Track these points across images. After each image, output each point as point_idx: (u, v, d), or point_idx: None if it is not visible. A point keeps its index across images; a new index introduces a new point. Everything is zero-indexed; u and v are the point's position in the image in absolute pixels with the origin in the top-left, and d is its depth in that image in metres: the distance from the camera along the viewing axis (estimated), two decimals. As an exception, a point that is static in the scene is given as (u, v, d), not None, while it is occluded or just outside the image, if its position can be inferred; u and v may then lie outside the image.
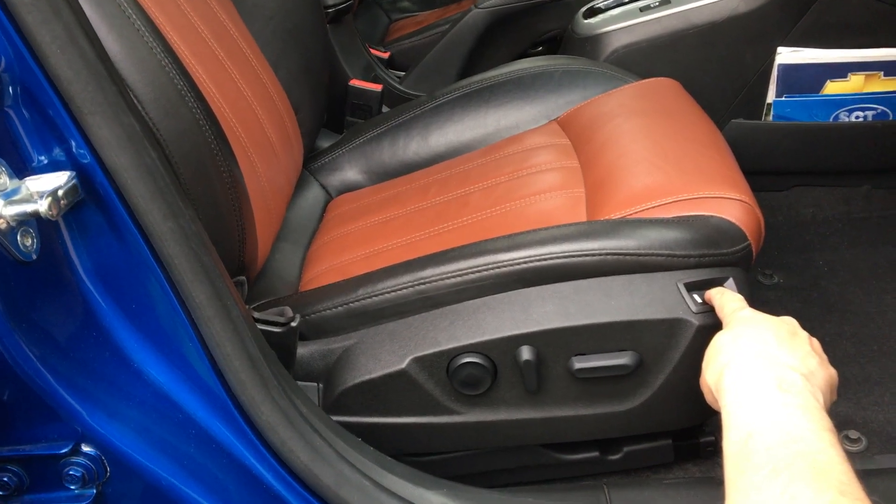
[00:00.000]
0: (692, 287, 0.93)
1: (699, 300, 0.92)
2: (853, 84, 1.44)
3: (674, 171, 1.09)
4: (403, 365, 0.94)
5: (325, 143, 1.51)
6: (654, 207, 1.02)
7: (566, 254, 0.94)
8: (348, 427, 0.96)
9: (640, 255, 0.93)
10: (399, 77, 1.79)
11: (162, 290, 0.75)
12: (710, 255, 0.95)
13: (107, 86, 0.69)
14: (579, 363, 0.92)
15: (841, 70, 1.44)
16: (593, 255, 0.94)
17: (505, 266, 0.95)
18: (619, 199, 1.06)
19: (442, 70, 1.72)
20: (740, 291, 0.93)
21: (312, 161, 1.46)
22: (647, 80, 1.37)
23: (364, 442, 0.91)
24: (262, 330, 0.91)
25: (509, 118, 1.41)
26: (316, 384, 1.00)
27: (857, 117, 1.46)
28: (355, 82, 1.52)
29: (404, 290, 0.97)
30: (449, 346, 0.93)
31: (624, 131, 1.22)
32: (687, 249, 0.94)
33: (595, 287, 0.93)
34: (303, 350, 1.00)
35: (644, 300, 0.92)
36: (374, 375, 0.95)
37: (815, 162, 1.53)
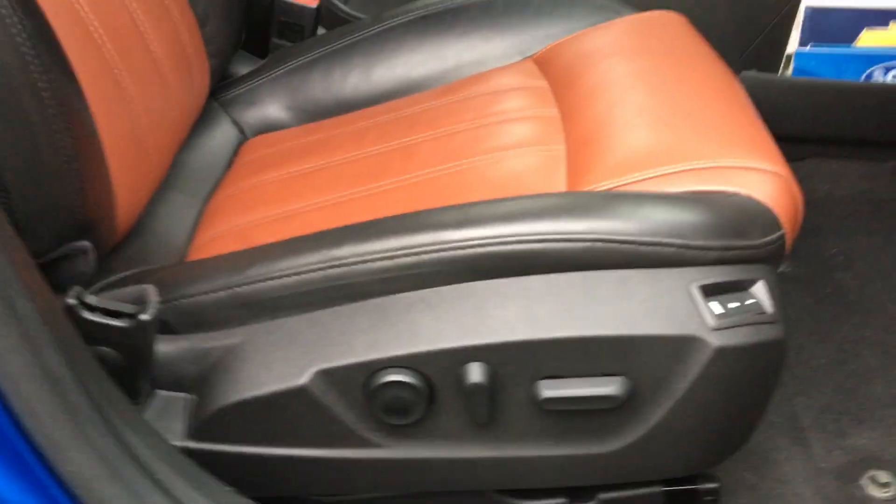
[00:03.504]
0: (711, 291, 0.67)
1: (719, 310, 0.66)
2: (894, 35, 1.19)
3: (684, 129, 0.82)
4: (304, 380, 0.67)
5: (242, 70, 1.21)
6: (656, 177, 0.76)
7: (539, 236, 0.67)
8: (224, 459, 0.69)
9: (640, 243, 0.67)
10: (346, -3, 1.48)
11: None
12: (736, 247, 0.69)
13: None
14: (548, 390, 0.66)
15: (882, 17, 1.18)
16: (576, 239, 0.67)
17: (453, 248, 0.68)
18: (611, 162, 0.79)
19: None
20: (771, 300, 0.68)
21: (224, 90, 1.16)
22: (646, 13, 1.10)
23: (239, 486, 0.64)
24: (97, 325, 0.63)
25: (474, 51, 1.13)
26: (185, 396, 0.73)
27: (894, 77, 1.20)
28: (284, -5, 1.22)
29: (311, 274, 0.70)
30: (369, 356, 0.66)
31: (618, 75, 0.94)
32: (706, 239, 0.68)
33: (576, 285, 0.67)
34: (169, 347, 0.72)
35: (643, 307, 0.66)
36: (262, 392, 0.68)
37: (836, 129, 1.27)
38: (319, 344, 0.68)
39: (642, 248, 0.67)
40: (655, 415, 0.68)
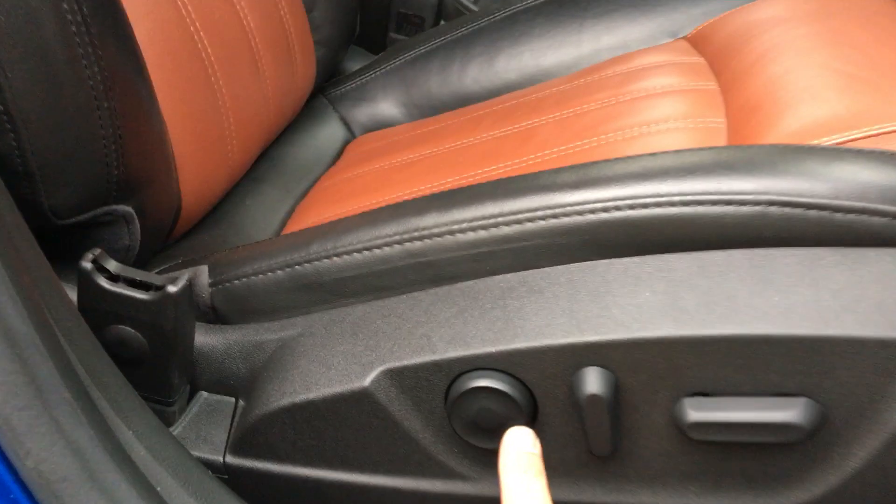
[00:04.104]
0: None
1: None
2: None
3: (886, 87, 0.62)
4: (367, 381, 0.51)
5: (355, 67, 1.10)
6: (857, 139, 0.56)
7: (688, 197, 0.49)
8: (266, 480, 0.54)
9: (837, 208, 0.47)
10: None
11: None
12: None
13: None
14: (696, 412, 0.47)
15: None
16: (742, 202, 0.48)
17: (567, 214, 0.50)
18: (791, 127, 0.61)
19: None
20: None
21: (333, 86, 1.06)
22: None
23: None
24: (115, 296, 0.50)
25: (614, 34, 0.97)
26: (233, 399, 0.59)
27: None
28: (404, -16, 1.11)
29: (385, 249, 0.55)
30: (450, 354, 0.50)
31: (795, 36, 0.75)
32: (934, 207, 0.47)
33: (740, 266, 0.48)
34: (216, 340, 0.59)
35: (839, 300, 0.46)
36: (315, 395, 0.53)
37: None
38: (392, 337, 0.52)
39: (839, 216, 0.47)
40: (855, 456, 0.47)
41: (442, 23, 1.13)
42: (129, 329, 0.52)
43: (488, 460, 0.52)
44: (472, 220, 0.52)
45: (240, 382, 0.58)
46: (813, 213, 0.47)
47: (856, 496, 0.48)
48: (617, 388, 0.48)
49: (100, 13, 0.52)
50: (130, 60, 0.56)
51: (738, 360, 0.46)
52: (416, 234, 0.54)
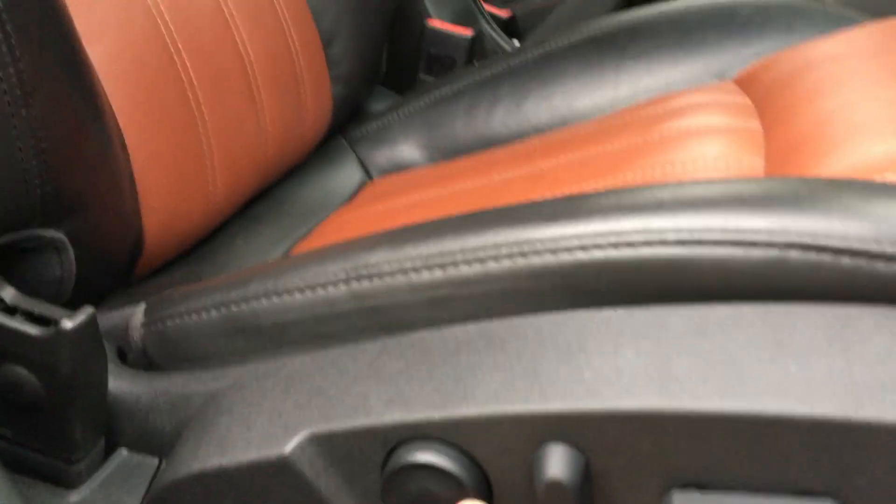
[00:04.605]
0: None
1: None
2: None
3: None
4: (288, 448, 0.42)
5: (381, 108, 1.04)
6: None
7: (683, 234, 0.39)
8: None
9: (877, 255, 0.36)
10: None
11: None
12: None
13: None
14: (689, 510, 0.36)
15: None
16: (754, 241, 0.38)
17: (537, 251, 0.41)
18: (839, 165, 0.50)
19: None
20: None
21: (354, 127, 0.99)
22: (892, 20, 0.79)
23: None
24: (8, 332, 0.43)
25: (656, 76, 0.88)
26: (157, 460, 0.51)
27: None
28: (435, 23, 1.04)
29: (330, 289, 0.46)
30: (389, 418, 0.41)
31: (852, 70, 0.65)
32: None
33: (751, 325, 0.38)
34: (142, 389, 0.51)
35: (877, 374, 0.35)
36: (228, 461, 0.44)
37: None
38: (325, 394, 0.43)
39: (880, 265, 0.36)
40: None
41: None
42: (22, 370, 0.44)
43: (434, 554, 0.42)
44: (427, 258, 0.44)
45: (164, 440, 0.50)
46: (846, 260, 0.37)
47: None
48: (588, 474, 0.38)
49: (20, 7, 0.46)
50: (62, 64, 0.50)
51: (743, 445, 0.36)
52: (363, 272, 0.45)
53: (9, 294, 0.44)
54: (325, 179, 0.94)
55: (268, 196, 0.86)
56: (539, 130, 0.90)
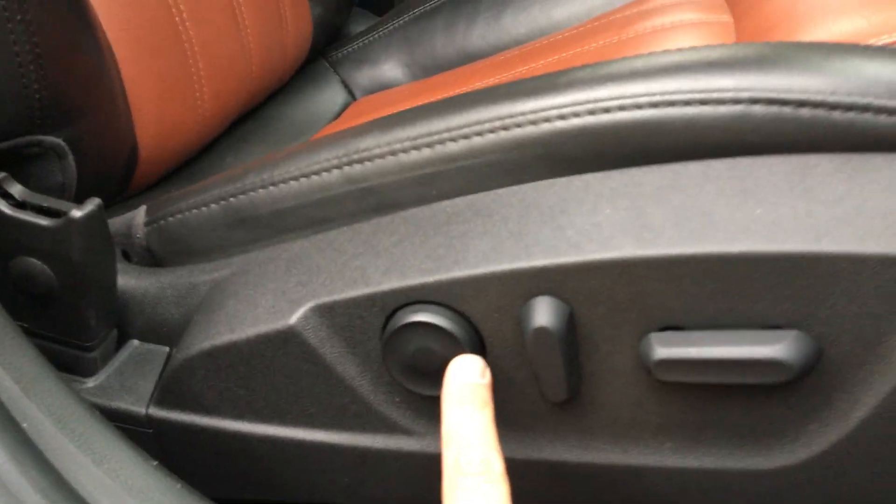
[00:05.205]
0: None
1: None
2: None
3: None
4: (293, 319, 0.45)
5: (360, 30, 1.05)
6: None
7: (655, 97, 0.41)
8: (189, 437, 0.49)
9: (834, 105, 0.39)
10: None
11: None
12: None
13: None
14: (665, 348, 0.40)
15: None
16: (720, 99, 0.40)
17: (518, 124, 0.43)
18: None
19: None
20: None
21: (335, 49, 1.01)
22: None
23: (201, 481, 0.43)
24: (15, 222, 0.45)
25: (631, -17, 0.89)
26: (167, 349, 0.54)
27: None
28: (410, -58, 1.05)
29: (323, 176, 0.48)
30: (386, 286, 0.43)
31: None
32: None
33: (718, 177, 0.40)
34: (149, 283, 0.53)
35: (836, 212, 0.38)
36: (237, 336, 0.47)
37: None
38: (325, 271, 0.46)
39: (836, 114, 0.39)
40: (860, 404, 0.39)
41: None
42: (36, 261, 0.47)
43: (434, 412, 0.45)
44: (415, 139, 0.46)
45: (173, 329, 0.53)
46: (805, 111, 0.39)
47: (863, 454, 0.40)
48: (572, 322, 0.41)
49: None
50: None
51: (715, 284, 0.39)
52: (355, 156, 0.47)
53: (17, 190, 0.46)
54: (309, 100, 0.95)
55: (255, 117, 0.88)
56: (518, 42, 0.91)
